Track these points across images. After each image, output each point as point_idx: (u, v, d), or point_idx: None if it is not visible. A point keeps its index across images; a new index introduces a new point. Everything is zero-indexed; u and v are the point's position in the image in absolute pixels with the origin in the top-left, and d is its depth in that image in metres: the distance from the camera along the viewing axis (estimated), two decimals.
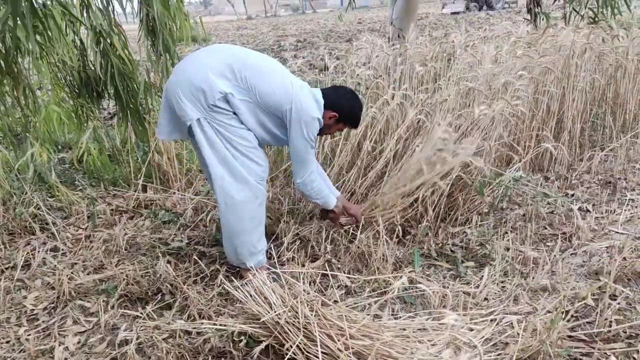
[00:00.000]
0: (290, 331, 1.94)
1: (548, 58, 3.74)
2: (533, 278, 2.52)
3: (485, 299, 2.40)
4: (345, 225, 2.90)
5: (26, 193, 3.30)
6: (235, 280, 2.34)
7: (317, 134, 2.53)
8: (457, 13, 27.08)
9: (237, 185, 2.39)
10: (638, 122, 4.40)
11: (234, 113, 2.35)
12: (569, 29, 4.45)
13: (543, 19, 5.89)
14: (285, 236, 2.85)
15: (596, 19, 5.40)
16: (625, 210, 3.19)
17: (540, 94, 3.82)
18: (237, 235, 2.48)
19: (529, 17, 6.18)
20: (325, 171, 3.01)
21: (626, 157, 4.02)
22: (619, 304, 2.26)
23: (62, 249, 2.97)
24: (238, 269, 2.64)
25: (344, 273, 2.60)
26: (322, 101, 2.49)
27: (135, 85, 3.54)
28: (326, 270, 2.59)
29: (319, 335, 1.88)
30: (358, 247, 2.72)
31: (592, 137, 4.39)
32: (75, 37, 3.41)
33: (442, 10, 28.86)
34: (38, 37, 3.20)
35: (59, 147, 4.72)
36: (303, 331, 1.92)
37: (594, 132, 4.41)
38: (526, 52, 3.80)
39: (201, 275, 2.67)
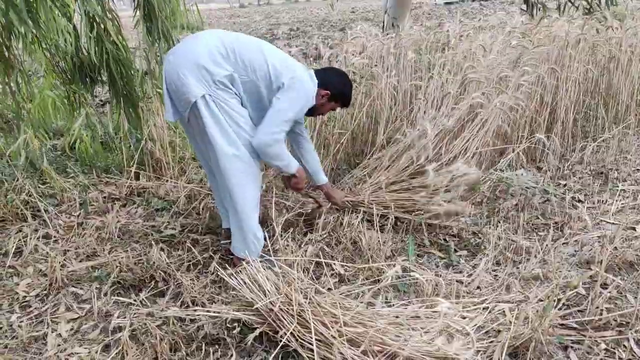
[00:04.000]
0: (284, 318, 1.95)
1: (542, 48, 3.74)
2: (525, 267, 2.54)
3: (478, 287, 2.42)
4: (305, 194, 2.93)
5: (17, 180, 3.27)
6: (228, 267, 2.34)
7: (310, 115, 2.64)
8: (451, 3, 26.97)
9: (242, 162, 2.38)
10: (630, 114, 4.42)
11: (236, 93, 2.36)
12: (563, 20, 4.45)
13: (540, 9, 5.88)
14: (277, 224, 2.84)
15: (591, 9, 5.40)
16: (616, 200, 3.22)
17: (534, 84, 3.83)
18: (247, 217, 2.46)
19: (524, 7, 6.18)
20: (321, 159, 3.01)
21: (618, 147, 4.04)
22: (609, 292, 2.28)
23: (54, 236, 2.95)
24: (231, 257, 2.64)
25: (338, 261, 2.61)
26: (315, 80, 2.51)
27: (130, 72, 3.50)
28: (320, 258, 2.60)
29: (313, 322, 1.88)
30: (351, 233, 2.73)
31: (585, 128, 4.41)
32: (69, 22, 3.36)
33: (435, 0, 28.75)
34: (30, 22, 3.16)
35: (51, 133, 4.68)
36: (297, 318, 1.93)
37: (586, 123, 4.43)
38: (520, 42, 3.80)
39: (194, 262, 2.67)
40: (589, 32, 4.19)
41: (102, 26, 3.28)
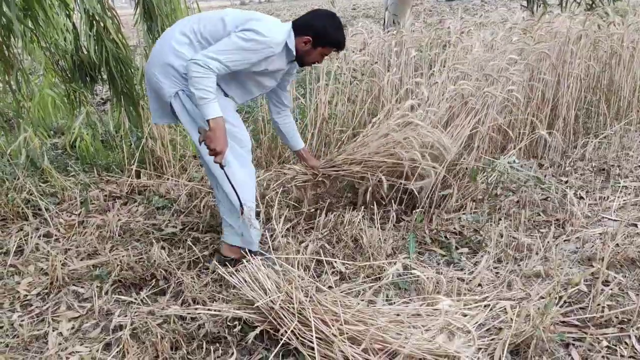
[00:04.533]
0: (285, 316, 1.94)
1: (543, 45, 3.72)
2: (526, 264, 2.53)
3: (479, 284, 2.41)
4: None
5: (18, 178, 3.27)
6: (229, 265, 2.34)
7: (301, 65, 2.53)
8: (452, 0, 26.89)
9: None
10: (632, 110, 4.40)
11: None
12: (565, 16, 4.43)
13: (541, 5, 5.86)
14: (278, 221, 2.84)
15: (593, 5, 5.38)
16: (618, 197, 3.21)
17: (535, 80, 3.81)
18: (233, 210, 2.44)
19: (525, 3, 6.16)
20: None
21: (620, 144, 4.03)
22: (611, 289, 2.28)
23: (55, 235, 2.95)
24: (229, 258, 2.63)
25: (339, 259, 2.60)
26: (289, 30, 2.36)
27: (130, 70, 3.50)
28: (320, 256, 2.60)
29: (314, 320, 1.88)
30: (352, 231, 2.73)
31: (587, 124, 4.39)
32: (68, 20, 3.36)
33: None
34: (29, 21, 3.16)
35: (52, 132, 4.68)
36: (298, 316, 1.92)
37: (588, 119, 4.41)
38: (522, 38, 3.78)
39: (195, 260, 2.66)
40: (591, 28, 4.17)
41: (102, 24, 3.28)
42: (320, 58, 2.53)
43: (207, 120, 2.17)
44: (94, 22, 3.27)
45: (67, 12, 3.46)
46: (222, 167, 2.27)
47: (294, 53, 2.40)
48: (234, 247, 2.56)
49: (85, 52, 3.52)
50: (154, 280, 2.49)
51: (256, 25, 2.23)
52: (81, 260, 2.72)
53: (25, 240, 2.85)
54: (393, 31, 4.07)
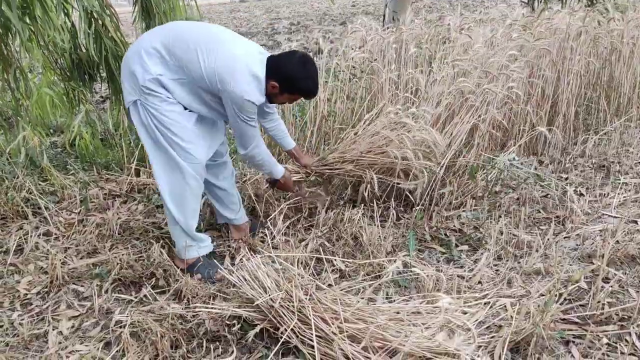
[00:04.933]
0: (285, 315, 1.94)
1: (543, 41, 3.72)
2: (526, 262, 2.53)
3: (479, 282, 2.41)
4: (295, 194, 3.01)
5: (18, 177, 3.27)
6: (229, 263, 2.34)
7: (271, 102, 2.48)
8: None
9: (169, 172, 2.36)
10: (632, 106, 4.40)
11: (168, 97, 2.27)
12: (565, 12, 4.42)
13: (541, 2, 5.85)
14: (277, 219, 2.84)
15: (593, 1, 5.37)
16: (618, 193, 3.20)
17: (535, 77, 3.81)
18: (180, 224, 2.47)
19: (526, 0, 6.15)
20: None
21: (620, 140, 4.02)
22: (611, 286, 2.28)
23: (55, 234, 2.95)
24: (229, 250, 2.64)
25: (339, 257, 2.60)
26: (262, 74, 2.28)
27: None
28: (320, 254, 2.59)
29: (314, 318, 1.88)
30: (352, 228, 2.73)
31: (587, 120, 4.39)
32: (67, 18, 3.35)
33: None
34: (27, 19, 3.15)
35: (51, 130, 4.68)
36: (297, 315, 1.92)
37: (588, 115, 4.41)
38: (521, 35, 3.78)
39: None
40: (591, 24, 4.16)
41: (101, 22, 3.27)
42: (290, 101, 2.51)
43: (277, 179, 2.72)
44: (93, 20, 3.26)
45: (66, 10, 3.45)
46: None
47: (264, 93, 2.35)
48: (179, 259, 2.60)
49: (84, 50, 3.51)
50: (153, 279, 2.49)
51: (232, 94, 2.23)
52: (81, 258, 2.71)
53: (25, 239, 2.85)
54: (392, 28, 4.06)
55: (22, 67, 3.41)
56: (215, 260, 2.59)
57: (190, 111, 2.35)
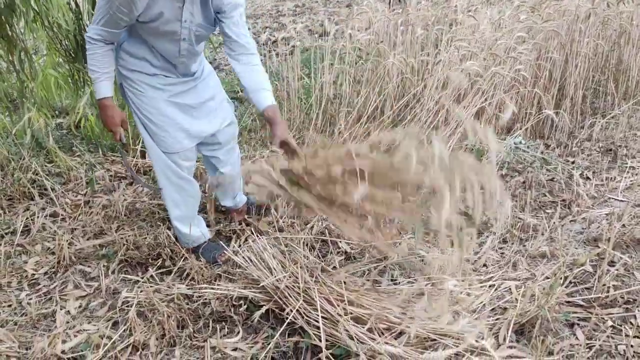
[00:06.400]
0: (290, 296, 1.96)
1: (552, 23, 3.67)
2: (532, 245, 2.53)
3: (484, 265, 2.41)
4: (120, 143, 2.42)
5: (24, 158, 3.27)
6: (235, 244, 2.35)
7: None
8: None
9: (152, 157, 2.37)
10: None
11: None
12: None
13: None
14: (280, 203, 2.83)
15: None
16: (625, 177, 3.19)
17: (542, 59, 3.77)
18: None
19: None
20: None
21: (627, 124, 3.99)
22: (617, 270, 2.27)
23: (62, 215, 2.96)
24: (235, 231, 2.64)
25: (344, 239, 2.60)
26: None
27: None
28: (325, 236, 2.60)
29: (319, 300, 1.89)
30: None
31: (594, 104, 4.35)
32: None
33: None
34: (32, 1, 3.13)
35: (56, 112, 4.67)
36: (303, 296, 1.93)
37: (596, 99, 4.37)
38: (530, 16, 3.73)
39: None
40: (600, 5, 4.10)
41: None
42: None
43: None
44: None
45: None
46: (121, 142, 2.36)
47: None
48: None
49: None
50: (160, 260, 2.50)
51: None
52: (87, 239, 2.73)
53: (31, 219, 2.87)
54: (399, 9, 4.03)
55: (27, 48, 3.39)
56: (221, 242, 2.60)
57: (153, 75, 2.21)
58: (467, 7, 4.37)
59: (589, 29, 3.93)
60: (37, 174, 3.21)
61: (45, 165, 3.45)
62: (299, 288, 1.95)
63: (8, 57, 3.27)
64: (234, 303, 2.08)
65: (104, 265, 2.49)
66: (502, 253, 2.51)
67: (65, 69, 3.92)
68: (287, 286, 1.97)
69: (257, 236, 2.43)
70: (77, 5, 3.40)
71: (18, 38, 3.30)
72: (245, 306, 2.05)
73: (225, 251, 2.44)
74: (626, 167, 3.36)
